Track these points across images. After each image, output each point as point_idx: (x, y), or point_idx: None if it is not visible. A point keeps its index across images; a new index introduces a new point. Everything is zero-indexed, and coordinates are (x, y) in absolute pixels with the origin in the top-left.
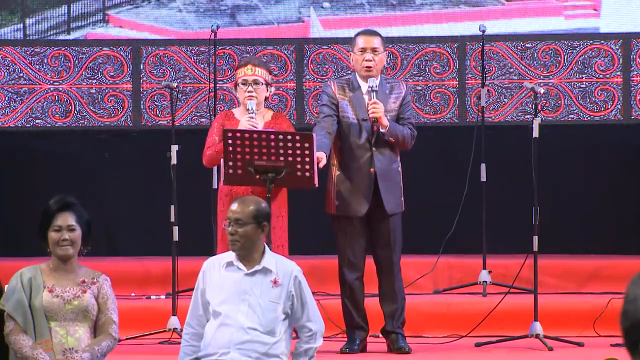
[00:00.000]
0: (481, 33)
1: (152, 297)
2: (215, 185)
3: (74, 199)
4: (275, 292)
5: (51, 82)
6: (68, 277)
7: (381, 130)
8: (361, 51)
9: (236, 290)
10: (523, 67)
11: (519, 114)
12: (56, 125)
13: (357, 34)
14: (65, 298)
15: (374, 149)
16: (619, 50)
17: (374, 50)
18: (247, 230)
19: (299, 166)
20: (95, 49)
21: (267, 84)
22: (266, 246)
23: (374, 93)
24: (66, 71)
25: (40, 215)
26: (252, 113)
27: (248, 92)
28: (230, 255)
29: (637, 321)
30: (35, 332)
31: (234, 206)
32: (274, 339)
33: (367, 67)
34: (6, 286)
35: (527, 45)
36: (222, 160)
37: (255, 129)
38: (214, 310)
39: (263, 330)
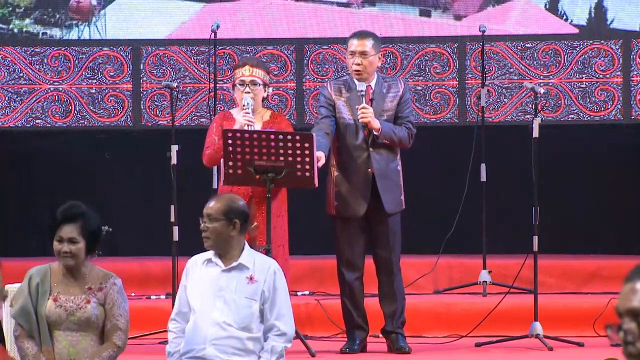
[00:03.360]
0: (481, 33)
1: (152, 297)
2: (215, 185)
3: (84, 207)
4: (251, 288)
5: (51, 82)
6: (76, 283)
7: (374, 133)
8: (351, 54)
9: (213, 287)
10: (523, 67)
11: (519, 114)
12: (56, 125)
13: (350, 36)
14: (68, 309)
15: (370, 149)
16: (619, 50)
17: (362, 53)
18: (216, 226)
19: (299, 166)
20: (95, 49)
21: (265, 85)
22: (246, 243)
23: (363, 98)
24: (66, 71)
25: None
26: (247, 108)
27: (245, 92)
28: (212, 253)
29: None
30: (40, 338)
31: (209, 203)
32: (250, 334)
33: (355, 70)
34: (19, 285)
35: (527, 45)
36: (222, 160)
37: (251, 123)
38: (192, 308)
39: (238, 326)
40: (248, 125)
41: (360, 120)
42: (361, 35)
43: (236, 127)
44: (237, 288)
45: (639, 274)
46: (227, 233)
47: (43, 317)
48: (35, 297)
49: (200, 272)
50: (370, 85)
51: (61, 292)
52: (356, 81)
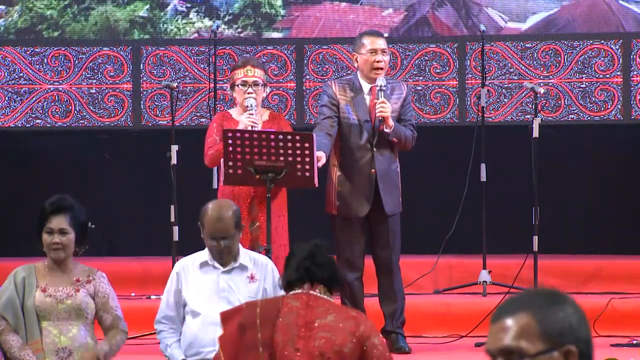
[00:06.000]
0: (481, 33)
1: (152, 297)
2: (215, 185)
3: (71, 200)
4: (252, 287)
5: (51, 82)
6: (62, 277)
7: (386, 130)
8: (371, 52)
9: (214, 289)
10: (523, 67)
11: (519, 114)
12: (56, 125)
13: (363, 35)
14: (58, 298)
15: (374, 149)
16: (619, 50)
17: (383, 51)
18: (235, 240)
19: (299, 166)
20: (95, 49)
21: (264, 85)
22: (239, 244)
23: (382, 92)
24: (66, 71)
25: (37, 215)
26: (251, 110)
27: (248, 93)
28: (204, 255)
29: None
30: (26, 332)
31: (219, 224)
32: None
33: (379, 67)
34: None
35: (527, 45)
36: (222, 160)
37: (255, 125)
38: (192, 311)
39: None
40: (252, 127)
41: (378, 115)
42: (378, 33)
43: (240, 128)
44: (239, 288)
45: (506, 311)
46: (239, 240)
47: (30, 309)
48: (21, 291)
49: (195, 275)
50: (375, 85)
51: (49, 284)
52: (361, 80)
